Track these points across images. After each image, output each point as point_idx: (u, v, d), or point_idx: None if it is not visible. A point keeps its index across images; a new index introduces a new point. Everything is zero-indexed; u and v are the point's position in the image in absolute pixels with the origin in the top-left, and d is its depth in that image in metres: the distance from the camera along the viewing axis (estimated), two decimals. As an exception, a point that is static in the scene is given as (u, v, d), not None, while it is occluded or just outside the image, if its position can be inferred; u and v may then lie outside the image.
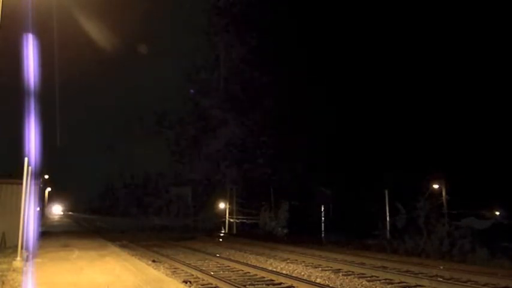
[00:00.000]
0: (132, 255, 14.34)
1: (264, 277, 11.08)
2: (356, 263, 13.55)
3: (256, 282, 10.41)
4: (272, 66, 34.50)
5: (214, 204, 37.95)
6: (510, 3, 23.55)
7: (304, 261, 14.39)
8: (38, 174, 17.39)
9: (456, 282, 10.33)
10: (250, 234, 28.57)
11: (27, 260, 11.96)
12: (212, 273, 11.32)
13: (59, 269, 10.60)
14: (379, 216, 22.75)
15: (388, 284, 10.53)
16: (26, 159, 11.94)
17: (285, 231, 28.67)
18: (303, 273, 11.88)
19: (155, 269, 11.53)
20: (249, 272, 11.91)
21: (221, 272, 11.87)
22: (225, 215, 34.77)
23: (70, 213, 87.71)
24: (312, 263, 13.93)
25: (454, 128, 25.19)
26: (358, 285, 10.33)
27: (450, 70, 25.99)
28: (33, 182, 13.93)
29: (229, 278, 10.54)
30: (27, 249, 13.00)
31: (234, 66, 38.38)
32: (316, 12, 32.70)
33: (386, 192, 22.90)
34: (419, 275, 11.33)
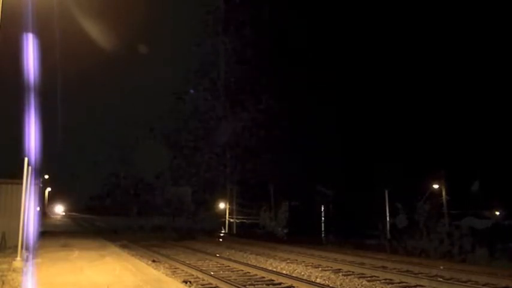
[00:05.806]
0: (132, 255, 14.34)
1: (264, 277, 11.08)
2: (356, 263, 13.54)
3: (256, 282, 10.41)
4: (272, 65, 34.50)
5: (214, 204, 37.94)
6: (510, 3, 23.58)
7: (304, 261, 14.38)
8: (38, 174, 17.39)
9: (456, 282, 10.33)
10: (250, 234, 28.56)
11: (27, 260, 11.95)
12: (212, 273, 11.31)
13: (59, 269, 10.60)
14: (379, 216, 22.76)
15: (388, 284, 10.53)
16: (26, 159, 11.93)
17: (285, 231, 28.65)
18: (303, 273, 11.88)
19: (155, 269, 11.53)
20: (249, 272, 11.90)
21: (221, 272, 11.86)
22: (225, 215, 34.77)
23: (71, 213, 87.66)
24: (312, 263, 13.93)
25: (454, 128, 25.22)
26: (358, 285, 10.33)
27: (449, 71, 26.02)
28: (33, 182, 13.93)
29: (229, 278, 10.54)
30: (27, 249, 12.99)
31: (234, 66, 38.37)
32: (315, 11, 32.73)
33: (386, 192, 22.92)
34: (419, 275, 11.32)
